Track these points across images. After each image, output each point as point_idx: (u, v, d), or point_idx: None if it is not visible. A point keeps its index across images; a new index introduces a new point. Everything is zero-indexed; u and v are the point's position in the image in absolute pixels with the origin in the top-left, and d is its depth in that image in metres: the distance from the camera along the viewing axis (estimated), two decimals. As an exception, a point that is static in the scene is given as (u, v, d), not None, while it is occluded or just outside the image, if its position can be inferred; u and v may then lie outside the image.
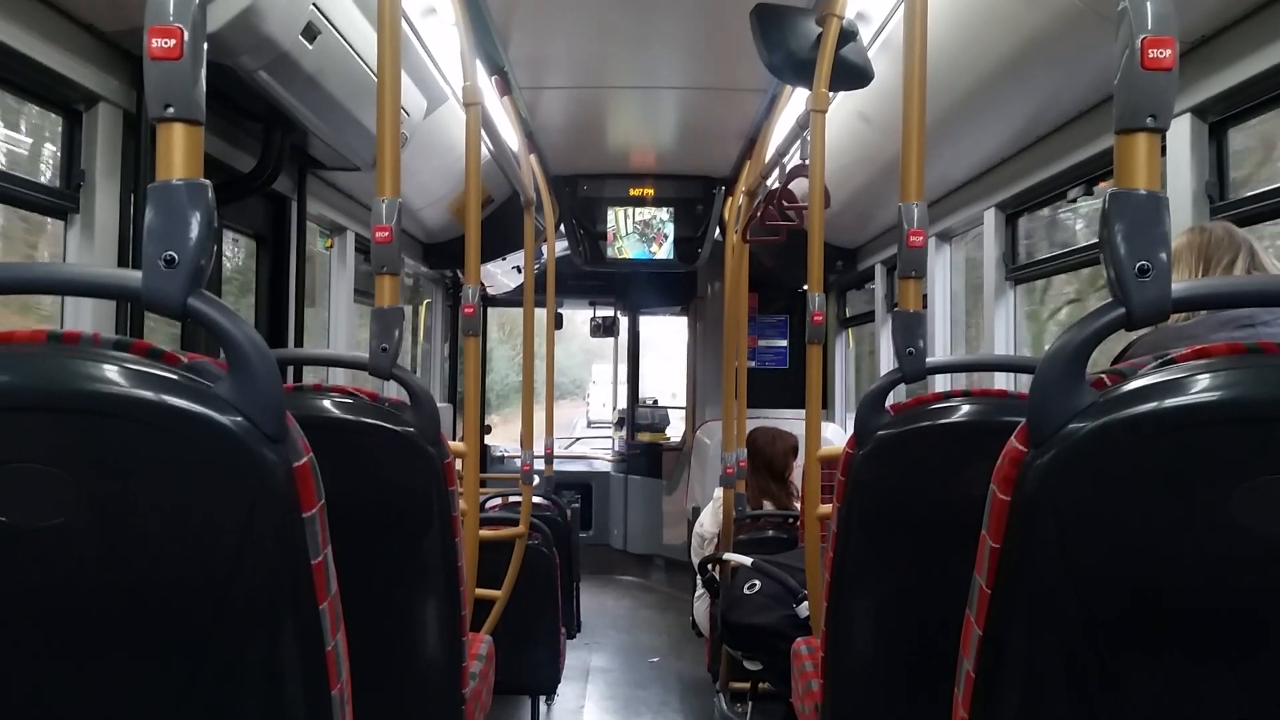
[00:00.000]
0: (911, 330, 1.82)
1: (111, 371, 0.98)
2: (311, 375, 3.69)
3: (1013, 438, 1.04)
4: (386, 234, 1.85)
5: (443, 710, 1.92)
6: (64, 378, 0.98)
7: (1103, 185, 3.11)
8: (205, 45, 1.02)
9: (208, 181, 1.03)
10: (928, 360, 1.84)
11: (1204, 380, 0.97)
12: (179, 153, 1.03)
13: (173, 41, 0.99)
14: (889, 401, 1.83)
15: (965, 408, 1.74)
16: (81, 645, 1.03)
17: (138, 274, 1.01)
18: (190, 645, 1.03)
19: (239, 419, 0.98)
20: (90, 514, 0.99)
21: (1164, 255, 0.98)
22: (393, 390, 2.03)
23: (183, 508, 1.01)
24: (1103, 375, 1.03)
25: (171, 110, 1.01)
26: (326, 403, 1.78)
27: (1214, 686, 1.02)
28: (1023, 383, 3.31)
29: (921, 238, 1.83)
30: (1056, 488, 0.99)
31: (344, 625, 1.12)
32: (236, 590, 1.02)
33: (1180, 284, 0.99)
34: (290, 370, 3.43)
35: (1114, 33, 1.01)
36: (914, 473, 1.78)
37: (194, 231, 1.00)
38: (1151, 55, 0.97)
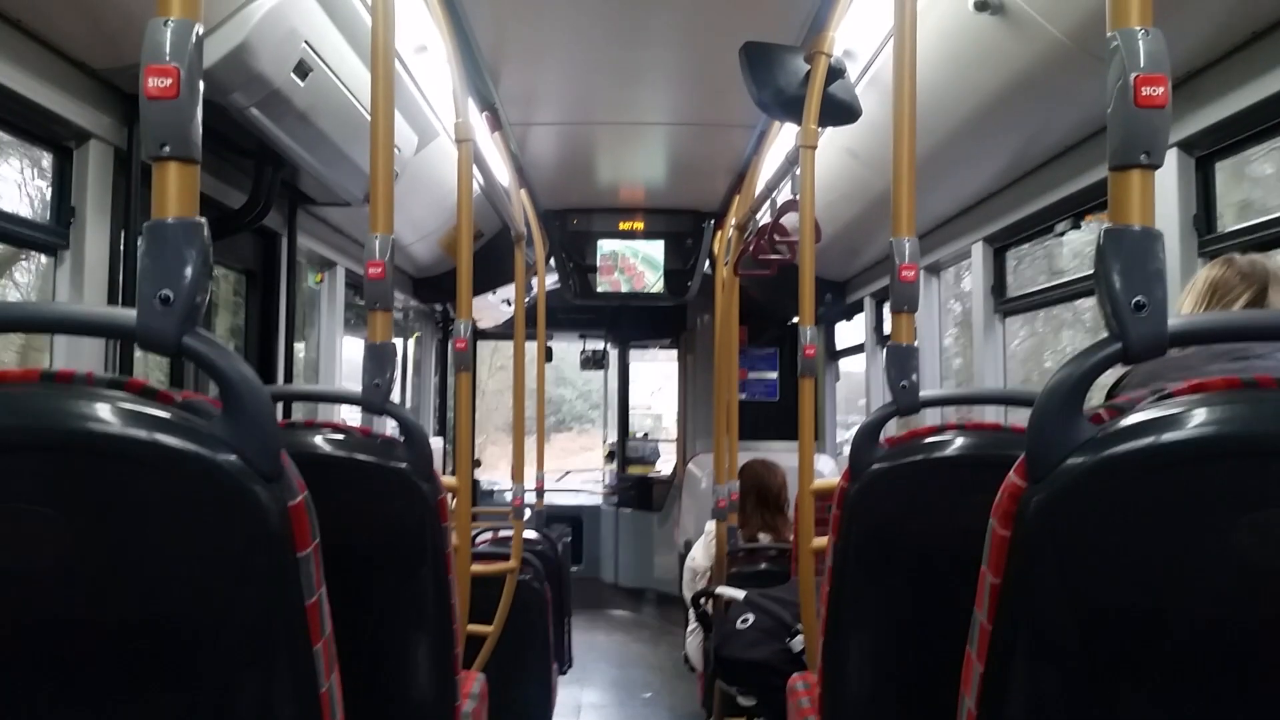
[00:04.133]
0: (905, 363, 1.82)
1: (104, 410, 0.97)
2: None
3: (1011, 472, 1.03)
4: (380, 270, 1.85)
5: None
6: (57, 417, 0.97)
7: (1089, 219, 3.14)
8: (201, 84, 1.03)
9: (203, 220, 1.03)
10: (921, 394, 1.84)
11: (1201, 415, 0.97)
12: (174, 191, 1.02)
13: (169, 81, 0.99)
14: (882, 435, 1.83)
15: (959, 441, 1.74)
16: (71, 686, 1.01)
17: (132, 312, 1.00)
18: (182, 687, 1.02)
19: (233, 458, 0.97)
20: (82, 554, 0.98)
21: (1160, 291, 0.98)
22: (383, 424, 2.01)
23: (176, 548, 0.99)
24: (1100, 410, 1.03)
25: (168, 149, 1.01)
26: (318, 439, 1.77)
27: None
28: (1013, 416, 3.32)
29: (914, 272, 1.83)
30: (1056, 523, 0.99)
31: (338, 665, 1.11)
32: (229, 631, 1.00)
33: (1176, 319, 1.00)
34: (280, 406, 3.41)
35: (1102, 69, 1.02)
36: (909, 506, 1.77)
37: (189, 270, 1.00)
38: (1145, 93, 0.98)
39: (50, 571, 0.97)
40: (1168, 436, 0.97)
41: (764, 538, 4.37)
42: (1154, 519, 0.97)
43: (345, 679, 1.13)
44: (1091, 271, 1.07)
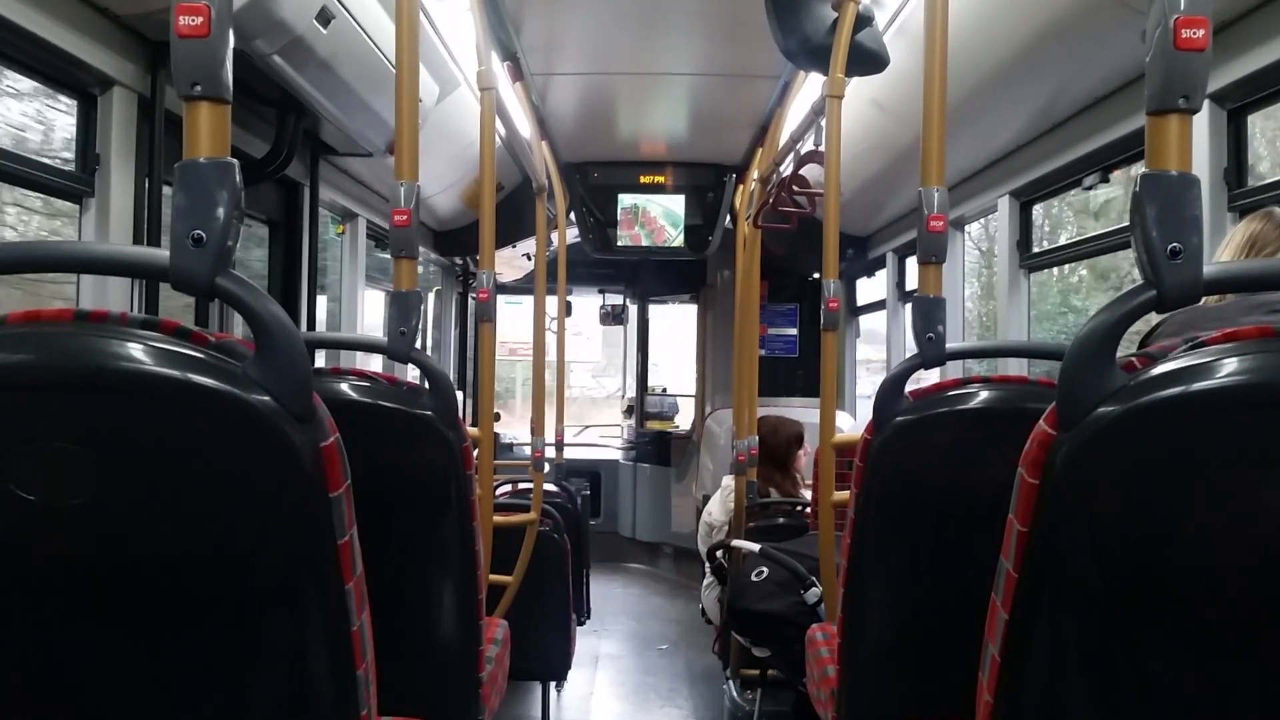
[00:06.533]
0: (931, 315, 1.81)
1: (138, 350, 0.98)
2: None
3: (1041, 421, 1.03)
4: (405, 218, 1.85)
5: (460, 693, 1.92)
6: (90, 356, 0.97)
7: (1117, 173, 3.10)
8: (231, 24, 1.02)
9: (235, 161, 1.03)
10: (947, 346, 1.83)
11: (1233, 364, 0.96)
12: (205, 132, 1.03)
13: (200, 19, 0.99)
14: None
15: (984, 394, 1.73)
16: (106, 623, 1.03)
17: (164, 253, 1.00)
18: (216, 624, 1.03)
19: (266, 399, 0.98)
20: (116, 493, 0.99)
21: (1196, 237, 0.97)
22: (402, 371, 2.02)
23: (209, 488, 1.00)
24: (1133, 358, 1.03)
25: (199, 89, 1.01)
26: (344, 386, 1.78)
27: (1239, 673, 1.01)
28: (1036, 370, 3.31)
29: (942, 223, 1.82)
30: (1085, 471, 0.99)
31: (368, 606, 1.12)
32: (263, 570, 1.02)
33: (1211, 266, 0.99)
34: None
35: (1134, 17, 1.01)
36: (933, 458, 1.77)
37: (221, 211, 1.00)
38: (1185, 35, 0.96)
39: (83, 510, 0.98)
40: (1199, 385, 0.96)
41: (773, 494, 4.38)
42: (1184, 468, 0.97)
43: (373, 621, 1.15)
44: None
